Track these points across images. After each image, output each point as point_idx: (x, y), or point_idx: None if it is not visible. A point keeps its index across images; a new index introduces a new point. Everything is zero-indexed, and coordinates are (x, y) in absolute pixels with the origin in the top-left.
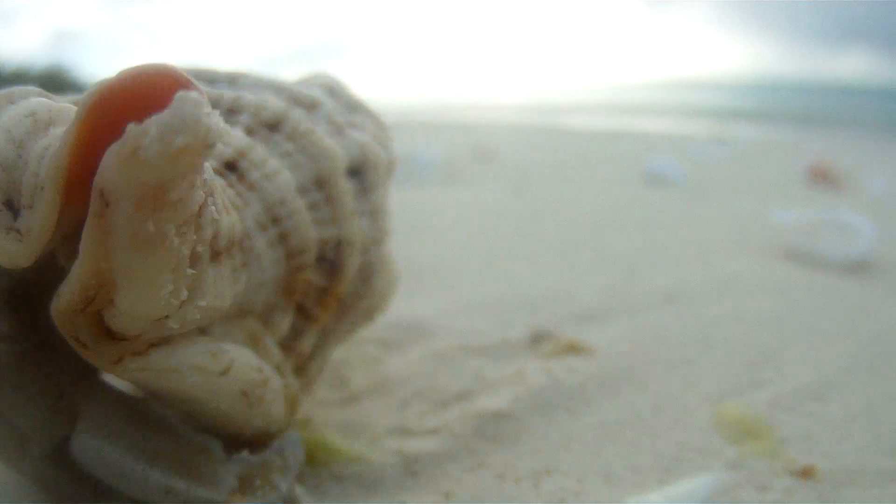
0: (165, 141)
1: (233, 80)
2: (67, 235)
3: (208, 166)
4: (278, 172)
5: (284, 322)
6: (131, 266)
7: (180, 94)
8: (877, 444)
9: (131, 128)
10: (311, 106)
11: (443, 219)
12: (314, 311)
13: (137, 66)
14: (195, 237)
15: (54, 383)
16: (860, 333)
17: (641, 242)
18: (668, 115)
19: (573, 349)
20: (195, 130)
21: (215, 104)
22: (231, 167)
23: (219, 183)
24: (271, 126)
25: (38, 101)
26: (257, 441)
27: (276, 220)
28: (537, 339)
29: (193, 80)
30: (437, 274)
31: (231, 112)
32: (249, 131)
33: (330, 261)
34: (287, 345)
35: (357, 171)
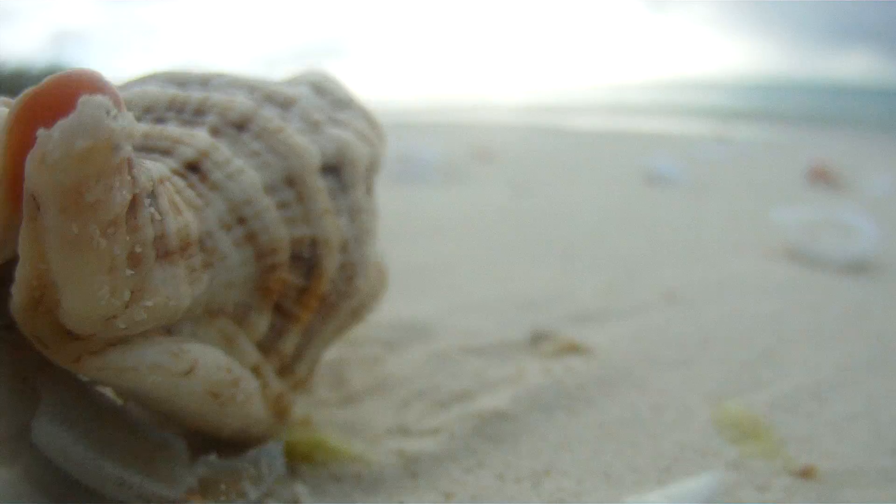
0: (67, 144)
1: (205, 81)
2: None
3: (150, 168)
4: (242, 172)
5: (262, 322)
6: (64, 267)
7: (83, 98)
8: (877, 444)
9: (40, 133)
10: (285, 104)
11: (443, 219)
12: (294, 311)
13: (60, 73)
14: (129, 238)
15: (18, 368)
16: (860, 333)
17: (641, 242)
18: (668, 115)
19: (573, 349)
20: (96, 133)
21: (182, 106)
22: (193, 168)
23: (172, 183)
24: (239, 126)
25: None
26: (242, 442)
27: (241, 220)
28: (537, 339)
29: (108, 85)
30: (437, 274)
31: (198, 113)
32: (215, 131)
33: (306, 260)
34: (268, 346)
35: (334, 169)
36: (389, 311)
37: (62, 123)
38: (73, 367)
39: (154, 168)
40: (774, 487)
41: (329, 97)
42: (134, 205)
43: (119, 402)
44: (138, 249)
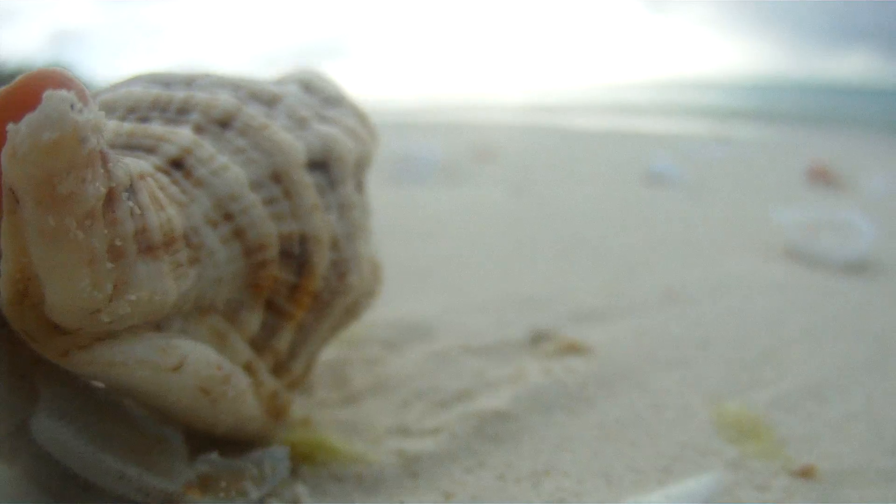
0: (34, 137)
1: (189, 81)
2: None
3: (128, 164)
4: (227, 168)
5: (253, 319)
6: (44, 260)
7: (47, 93)
8: (877, 444)
9: (10, 128)
10: (270, 101)
11: (443, 219)
12: (287, 308)
13: (29, 72)
14: (107, 231)
15: (16, 365)
16: (860, 333)
17: (641, 242)
18: (668, 115)
19: (573, 349)
20: (61, 126)
21: (166, 106)
22: (177, 165)
23: (155, 180)
24: (222, 123)
25: None
26: (238, 440)
27: (228, 216)
28: (537, 339)
29: (74, 81)
30: (437, 274)
31: (181, 112)
32: (199, 129)
33: (296, 256)
34: (261, 343)
35: (321, 165)
36: (389, 311)
37: (29, 117)
38: (61, 362)
39: (133, 164)
40: (774, 487)
41: (319, 95)
42: (111, 199)
43: (116, 397)
44: (119, 243)
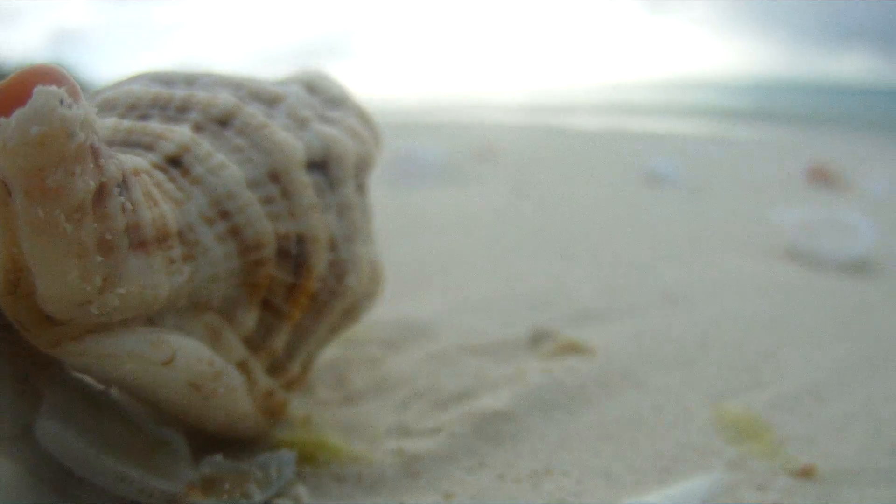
0: (23, 131)
1: (191, 80)
2: None
3: (122, 160)
4: (224, 166)
5: (249, 318)
6: (34, 251)
7: (37, 88)
8: (876, 444)
9: (1, 121)
10: (271, 101)
11: (443, 219)
12: (284, 308)
13: (25, 68)
14: (97, 225)
15: (19, 368)
16: (860, 333)
17: (641, 242)
18: (668, 115)
19: (573, 349)
20: (49, 120)
21: (166, 104)
22: (174, 162)
23: (151, 176)
24: (221, 122)
25: None
26: (231, 437)
27: (224, 214)
28: (537, 339)
29: (67, 78)
30: (437, 274)
31: (181, 110)
32: (197, 127)
33: (294, 256)
34: (257, 342)
35: (321, 165)
36: (389, 311)
37: (18, 112)
38: (53, 352)
39: (128, 160)
40: (774, 487)
41: (322, 95)
42: (102, 193)
43: (117, 397)
44: (109, 237)
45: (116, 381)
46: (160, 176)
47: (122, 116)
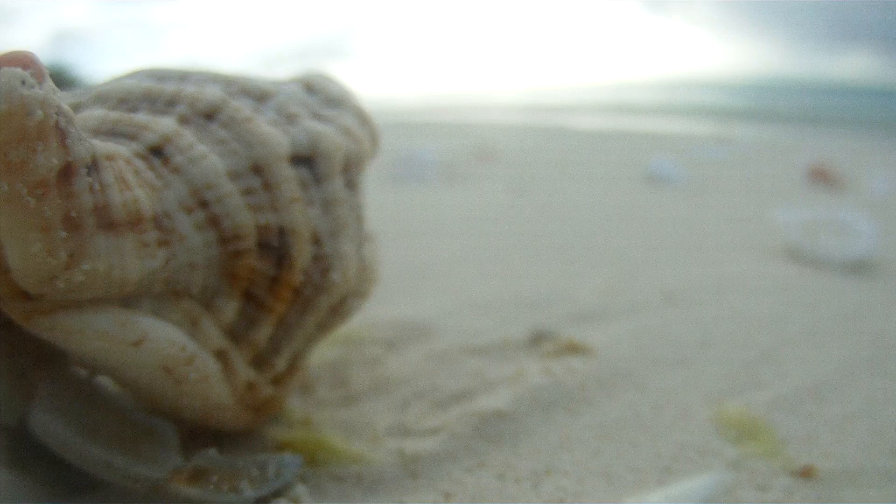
0: None
1: (183, 76)
2: None
3: (93, 144)
4: (204, 157)
5: (229, 308)
6: (1, 223)
7: (2, 70)
8: (877, 444)
9: None
10: (261, 97)
11: (443, 219)
12: (267, 300)
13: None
14: (61, 202)
15: (16, 363)
16: (860, 333)
17: (641, 242)
18: (668, 115)
19: (573, 349)
20: (9, 99)
21: (156, 98)
22: (156, 152)
23: (129, 163)
24: (207, 115)
25: None
26: (212, 428)
27: (203, 203)
28: (537, 339)
29: (34, 62)
30: (437, 274)
31: (169, 104)
32: (183, 120)
33: (275, 249)
34: (239, 333)
35: (307, 160)
36: (389, 311)
37: None
38: (25, 325)
39: (103, 146)
40: (774, 487)
41: (321, 95)
42: (68, 172)
43: (110, 390)
44: (74, 214)
45: (90, 361)
46: (140, 164)
47: (113, 109)
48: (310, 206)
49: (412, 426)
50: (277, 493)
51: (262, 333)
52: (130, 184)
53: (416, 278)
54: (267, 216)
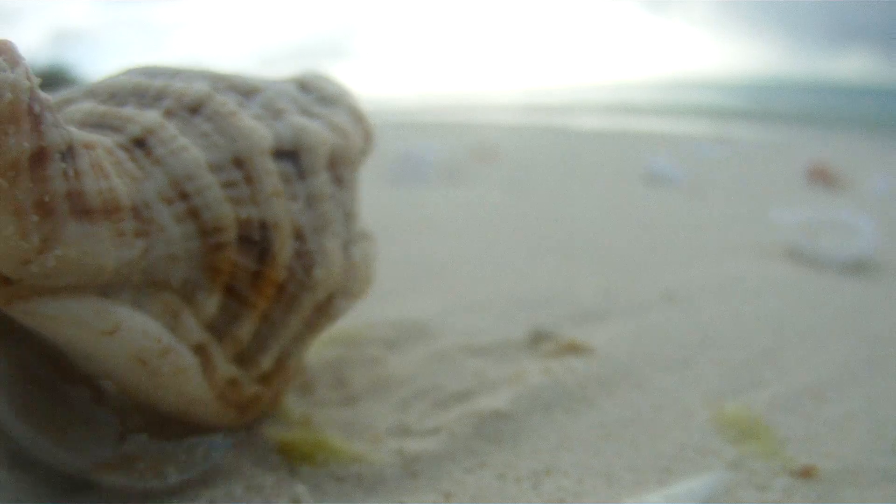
0: None
1: (174, 73)
2: None
3: (71, 131)
4: (186, 149)
5: (210, 302)
6: None
7: None
8: (877, 444)
9: None
10: (248, 93)
11: (443, 219)
12: (250, 296)
13: None
14: (34, 186)
15: None
16: (860, 333)
17: (641, 242)
18: (668, 115)
19: (573, 349)
20: None
21: (144, 92)
22: (139, 143)
23: (110, 153)
24: (192, 109)
25: None
26: (192, 423)
27: (183, 195)
28: (537, 339)
29: (12, 49)
30: (437, 274)
31: (156, 98)
32: (168, 113)
33: (257, 243)
34: (221, 328)
35: (290, 154)
36: (389, 310)
37: None
38: (5, 309)
39: (82, 134)
40: (774, 487)
41: (315, 94)
42: (42, 157)
43: (71, 380)
44: (47, 199)
45: (67, 346)
46: (122, 155)
47: (102, 103)
48: (293, 200)
49: (412, 426)
50: (203, 477)
51: (245, 329)
52: (108, 172)
53: (416, 278)
54: (248, 209)
